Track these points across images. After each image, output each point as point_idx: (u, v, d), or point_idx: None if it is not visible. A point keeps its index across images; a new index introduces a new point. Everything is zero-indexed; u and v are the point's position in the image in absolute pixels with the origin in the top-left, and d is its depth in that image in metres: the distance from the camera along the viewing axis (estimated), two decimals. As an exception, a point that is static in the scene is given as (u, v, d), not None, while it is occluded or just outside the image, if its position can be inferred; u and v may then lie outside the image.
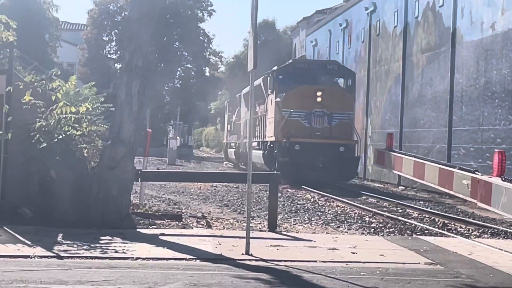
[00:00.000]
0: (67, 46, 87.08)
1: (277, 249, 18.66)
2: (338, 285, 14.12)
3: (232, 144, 74.76)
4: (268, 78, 50.73)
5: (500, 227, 25.94)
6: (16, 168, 21.05)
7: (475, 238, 23.40)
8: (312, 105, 46.90)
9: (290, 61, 55.40)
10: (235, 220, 25.80)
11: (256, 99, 53.04)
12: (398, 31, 55.56)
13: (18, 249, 17.02)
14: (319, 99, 46.66)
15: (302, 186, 39.56)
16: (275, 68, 53.67)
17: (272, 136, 49.52)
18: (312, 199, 36.89)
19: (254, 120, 54.11)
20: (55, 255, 16.46)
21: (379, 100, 59.60)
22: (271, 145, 49.33)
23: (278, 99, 48.45)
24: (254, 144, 54.15)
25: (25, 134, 21.18)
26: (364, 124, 62.48)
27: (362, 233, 23.95)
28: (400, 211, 32.41)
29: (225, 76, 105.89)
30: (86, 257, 16.40)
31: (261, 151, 53.24)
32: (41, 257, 16.22)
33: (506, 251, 19.76)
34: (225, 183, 39.08)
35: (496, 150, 26.28)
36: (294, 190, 42.10)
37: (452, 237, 23.45)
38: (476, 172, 24.70)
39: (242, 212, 27.58)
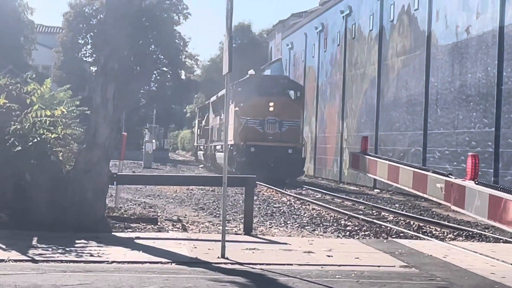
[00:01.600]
0: (42, 49, 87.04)
1: (253, 252, 18.66)
2: (307, 285, 14.16)
3: (201, 147, 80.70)
4: (221, 94, 54.04)
5: (475, 230, 26.08)
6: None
7: (450, 241, 23.50)
8: (265, 114, 53.79)
9: (248, 76, 58.66)
10: (211, 223, 25.87)
11: (220, 107, 60.57)
12: (374, 35, 55.76)
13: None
14: (271, 109, 53.91)
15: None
16: (235, 82, 56.75)
17: (231, 140, 53.53)
18: (288, 202, 36.98)
19: (220, 126, 62.36)
20: (30, 259, 16.43)
21: (355, 103, 59.79)
22: (231, 147, 52.65)
23: (236, 108, 54.74)
24: (219, 147, 63.08)
25: (0, 138, 21.13)
26: (340, 127, 62.63)
27: (338, 236, 24.03)
28: (375, 214, 32.53)
29: (201, 79, 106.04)
30: (61, 261, 16.37)
31: (221, 154, 57.75)
32: (15, 261, 16.20)
33: (481, 254, 19.86)
34: (201, 186, 39.12)
35: (470, 153, 26.42)
36: (270, 193, 42.24)
37: (427, 240, 23.56)
38: (450, 176, 24.82)
39: (217, 215, 27.65)
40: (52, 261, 16.31)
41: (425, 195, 27.27)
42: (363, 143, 38.37)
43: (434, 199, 26.11)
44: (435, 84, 44.37)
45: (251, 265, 16.60)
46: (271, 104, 54.43)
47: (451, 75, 42.10)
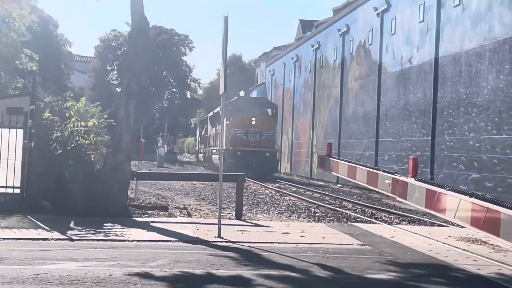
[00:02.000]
0: (78, 74, 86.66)
1: (242, 233, 18.70)
2: (289, 261, 14.14)
3: (201, 151, 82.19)
4: (220, 108, 54.34)
5: (415, 216, 26.10)
6: (37, 169, 20.92)
7: (396, 224, 23.57)
8: (249, 126, 56.68)
9: (236, 97, 60.41)
10: (210, 210, 25.81)
11: (216, 121, 63.72)
12: (337, 64, 55.76)
13: (39, 234, 16.96)
14: (253, 122, 56.80)
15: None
16: (226, 102, 58.71)
17: (224, 146, 52.11)
18: (270, 194, 36.91)
19: (215, 135, 65.55)
20: (68, 238, 16.43)
21: (322, 117, 59.78)
22: (223, 151, 51.54)
23: (227, 122, 55.61)
24: (214, 151, 64.63)
25: (45, 143, 21.07)
26: (310, 136, 62.61)
27: (309, 221, 23.98)
28: (338, 203, 32.50)
29: (203, 97, 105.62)
30: (92, 240, 16.37)
31: (217, 155, 58.87)
32: (56, 239, 16.19)
33: (420, 235, 19.91)
34: (202, 182, 39.00)
35: (411, 156, 26.61)
36: (256, 187, 42.13)
37: (378, 223, 23.59)
38: (396, 174, 24.84)
39: (215, 204, 27.53)
40: (85, 239, 16.31)
41: (376, 189, 27.25)
42: (328, 148, 38.39)
43: (384, 192, 26.07)
44: (384, 102, 44.39)
45: (241, 243, 16.63)
46: (253, 119, 57.34)
47: (397, 95, 42.14)
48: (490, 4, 31.70)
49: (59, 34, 69.74)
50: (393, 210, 28.81)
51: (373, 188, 28.07)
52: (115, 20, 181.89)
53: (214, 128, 66.88)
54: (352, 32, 52.67)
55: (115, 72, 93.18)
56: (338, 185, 48.93)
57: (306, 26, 76.90)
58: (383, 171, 27.10)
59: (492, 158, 30.65)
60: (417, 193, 21.47)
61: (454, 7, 35.21)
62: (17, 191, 21.01)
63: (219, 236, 17.49)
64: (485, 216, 16.30)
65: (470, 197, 17.91)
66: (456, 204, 18.53)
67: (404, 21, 41.96)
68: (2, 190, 20.87)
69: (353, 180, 31.49)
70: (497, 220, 15.51)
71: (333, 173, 35.68)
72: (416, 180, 21.93)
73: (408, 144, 39.71)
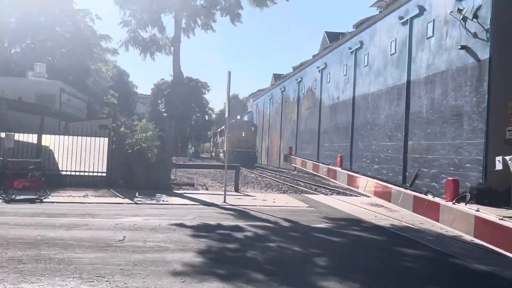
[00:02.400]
0: (141, 105, 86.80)
1: (238, 200, 18.67)
2: (266, 216, 14.17)
3: (213, 151, 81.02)
4: (224, 126, 54.38)
5: (341, 190, 26.10)
6: (115, 162, 20.92)
7: (330, 195, 23.55)
8: (240, 137, 57.00)
9: (234, 120, 62.24)
10: (220, 186, 25.77)
11: (222, 133, 62.97)
12: (295, 100, 55.80)
13: (117, 200, 16.95)
14: (243, 135, 57.64)
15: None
16: (226, 123, 61.05)
17: (226, 148, 52.63)
18: (255, 177, 36.85)
19: (222, 142, 64.68)
20: (134, 202, 16.42)
21: (286, 131, 59.84)
22: (227, 151, 52.29)
23: (229, 134, 54.85)
24: (221, 151, 64.36)
25: (121, 146, 21.05)
26: (279, 142, 62.64)
27: (278, 193, 23.99)
28: (295, 182, 32.49)
29: (215, 119, 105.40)
30: (149, 204, 16.37)
31: (223, 154, 56.71)
32: (127, 203, 16.18)
33: (343, 201, 19.94)
34: (215, 169, 38.87)
35: (339, 155, 26.71)
36: (246, 173, 42.13)
37: (319, 194, 23.58)
38: (329, 165, 24.95)
39: (222, 182, 27.50)
40: (144, 204, 16.30)
41: (318, 174, 27.35)
42: (290, 149, 38.69)
43: (323, 176, 26.16)
44: (323, 123, 44.52)
45: (237, 206, 16.63)
46: (243, 133, 58.17)
47: (330, 118, 42.26)
48: (385, 65, 31.90)
49: (130, 81, 69.83)
50: (327, 187, 28.84)
51: (316, 174, 28.10)
52: (163, 72, 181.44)
53: (222, 138, 66.25)
54: (304, 81, 52.79)
55: (163, 104, 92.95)
56: (295, 171, 48.92)
57: (277, 77, 77.02)
58: (322, 163, 27.18)
59: (386, 156, 30.84)
60: (342, 176, 21.55)
61: (364, 66, 35.40)
62: (104, 175, 21.07)
63: (224, 201, 17.50)
64: (382, 190, 16.44)
65: (373, 179, 18.11)
66: (365, 183, 18.63)
67: (335, 75, 42.10)
68: (96, 174, 20.96)
69: (305, 169, 31.56)
70: (389, 192, 15.76)
71: (293, 164, 35.74)
72: (341, 169, 22.03)
73: (337, 148, 39.79)
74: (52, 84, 26.25)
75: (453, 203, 4.98)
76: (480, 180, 21.29)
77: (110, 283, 6.85)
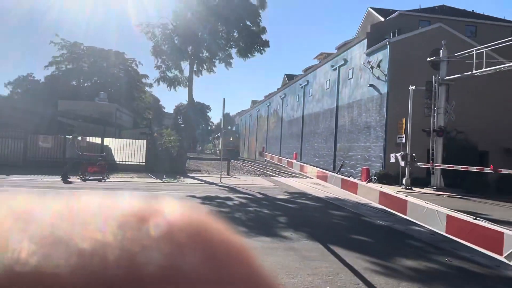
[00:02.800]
0: (167, 119, 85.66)
1: (229, 180, 18.65)
2: (247, 191, 14.18)
3: (212, 150, 78.40)
4: (219, 134, 54.74)
5: (295, 175, 26.18)
6: (150, 156, 20.73)
7: (287, 177, 23.62)
8: (229, 141, 56.81)
9: (225, 130, 61.76)
10: (217, 172, 25.62)
11: (218, 139, 63.73)
12: (266, 117, 55.77)
13: (151, 180, 16.78)
14: (231, 139, 58.32)
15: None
16: (221, 132, 59.53)
17: (220, 147, 52.24)
18: (241, 165, 36.77)
19: (218, 143, 62.05)
20: (162, 182, 16.29)
21: (260, 137, 59.69)
22: (222, 149, 51.91)
23: (223, 138, 55.53)
24: (218, 149, 61.49)
25: (154, 146, 20.88)
26: (255, 143, 62.55)
27: (255, 176, 24.01)
28: (266, 170, 32.48)
29: (214, 129, 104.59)
30: (172, 182, 16.25)
31: (218, 151, 58.20)
32: (158, 182, 16.03)
33: (296, 182, 20.02)
34: (214, 161, 38.56)
35: (295, 152, 26.75)
36: (235, 163, 41.94)
37: (281, 177, 23.64)
38: (289, 159, 24.95)
39: (219, 169, 27.42)
40: (169, 182, 16.12)
41: (281, 164, 27.31)
42: (263, 148, 38.49)
43: (284, 166, 26.18)
44: (283, 132, 44.60)
45: (229, 184, 16.59)
46: (231, 138, 58.14)
47: (288, 129, 42.36)
48: (323, 95, 32.17)
49: (160, 104, 69.11)
50: (286, 172, 28.93)
51: (280, 164, 28.11)
52: (182, 97, 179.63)
53: (218, 141, 66.48)
54: (271, 105, 52.81)
55: (181, 119, 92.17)
56: (266, 162, 48.95)
57: (254, 102, 76.65)
58: (284, 158, 27.24)
59: (323, 153, 31.06)
60: (296, 166, 21.60)
61: (309, 96, 35.64)
62: (143, 164, 20.85)
63: (220, 181, 17.45)
64: (321, 175, 16.53)
65: (317, 167, 18.17)
66: (310, 170, 18.69)
67: (291, 101, 42.23)
68: (138, 163, 20.72)
69: (272, 161, 31.48)
70: (326, 176, 15.81)
71: (265, 158, 35.72)
72: (296, 161, 22.09)
73: (293, 147, 39.94)
74: (110, 106, 26.20)
75: (366, 183, 5.14)
76: (381, 168, 21.70)
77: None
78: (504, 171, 14.45)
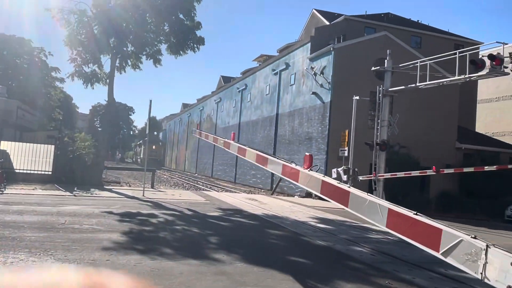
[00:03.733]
0: (81, 121, 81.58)
1: (154, 194, 18.19)
2: (174, 207, 13.95)
3: (135, 157, 75.58)
4: (143, 140, 53.91)
5: (228, 189, 26.29)
6: (59, 164, 19.59)
7: (221, 191, 23.60)
8: (152, 149, 59.90)
9: (146, 138, 59.45)
10: (140, 184, 24.95)
11: (140, 146, 62.40)
12: (198, 122, 55.56)
13: (59, 193, 15.86)
14: (154, 148, 58.95)
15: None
16: (147, 139, 58.68)
17: (142, 156, 50.37)
18: (167, 177, 36.09)
19: (141, 151, 61.08)
20: (73, 195, 15.46)
21: (192, 146, 59.23)
22: (144, 158, 49.96)
23: (145, 146, 53.25)
24: (139, 157, 61.10)
25: (64, 152, 19.77)
26: (185, 152, 61.87)
27: (183, 189, 23.70)
28: (196, 182, 32.21)
29: (138, 134, 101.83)
30: (85, 196, 15.48)
31: (140, 160, 56.03)
32: (68, 195, 15.21)
33: (230, 196, 20.07)
34: (137, 171, 37.42)
35: (232, 132, 26.65)
36: (159, 173, 41.01)
37: (213, 191, 23.55)
38: (226, 140, 25.02)
39: (142, 181, 26.75)
40: (82, 196, 15.39)
41: (218, 145, 27.22)
42: (197, 125, 37.86)
43: (220, 146, 26.12)
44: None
45: (153, 199, 16.19)
46: (154, 146, 58.08)
47: (222, 137, 42.44)
48: (262, 102, 32.78)
49: (73, 104, 65.58)
50: (219, 186, 28.92)
51: (216, 144, 27.97)
52: (100, 96, 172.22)
53: (140, 148, 65.13)
54: (205, 110, 52.75)
55: (98, 121, 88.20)
56: (196, 174, 48.45)
57: (185, 106, 75.85)
58: (221, 138, 27.10)
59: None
60: (234, 147, 21.63)
61: (247, 102, 36.12)
62: (50, 173, 19.63)
63: (143, 195, 16.97)
64: (262, 158, 16.77)
65: (256, 150, 18.30)
66: (251, 153, 18.85)
67: (227, 106, 42.49)
68: (43, 172, 19.47)
69: (207, 140, 31.22)
70: (266, 159, 16.09)
71: (198, 136, 35.20)
72: (234, 142, 22.06)
73: (227, 157, 40.03)
74: (10, 103, 24.22)
75: (308, 170, 5.29)
76: (322, 183, 22.50)
77: (53, 256, 6.46)
78: (446, 170, 15.80)
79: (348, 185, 5.20)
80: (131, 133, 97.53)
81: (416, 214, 3.67)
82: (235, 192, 24.04)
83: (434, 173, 15.61)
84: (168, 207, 13.99)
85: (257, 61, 42.28)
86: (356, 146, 19.57)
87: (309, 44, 25.69)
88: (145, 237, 8.62)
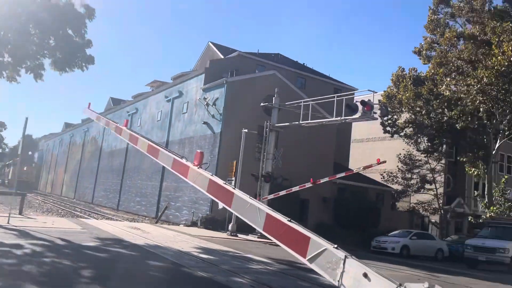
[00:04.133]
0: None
1: (21, 222, 16.31)
2: (45, 235, 12.69)
3: (3, 179, 67.57)
4: (12, 161, 49.76)
5: (110, 216, 24.79)
6: None
7: (101, 219, 22.19)
8: (23, 171, 54.74)
9: (18, 158, 55.91)
10: (6, 210, 22.28)
11: (9, 166, 58.25)
12: (81, 144, 51.93)
13: None
14: (25, 169, 53.39)
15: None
16: (19, 159, 53.19)
17: (11, 178, 45.38)
18: (39, 202, 32.79)
19: (9, 172, 50.58)
20: None
21: (72, 169, 54.96)
22: (14, 180, 45.47)
23: (17, 166, 51.24)
24: (7, 179, 55.05)
25: None
26: (64, 175, 57.24)
27: (58, 216, 21.77)
28: (73, 208, 29.80)
29: (9, 153, 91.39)
30: None
31: (7, 182, 53.08)
32: None
33: (111, 225, 19.04)
34: (4, 195, 33.41)
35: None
36: (31, 198, 37.09)
37: (91, 219, 22.06)
38: (119, 125, 23.58)
39: (8, 206, 23.96)
40: None
41: (111, 129, 25.54)
42: (89, 104, 35.14)
43: (113, 132, 24.53)
44: (101, 163, 42.21)
45: (20, 227, 14.53)
46: (25, 168, 52.11)
47: (108, 162, 40.27)
48: (152, 127, 32.10)
49: None
50: (99, 213, 27.17)
51: (108, 127, 26.23)
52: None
53: (8, 169, 59.93)
54: (90, 131, 49.80)
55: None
56: (75, 200, 44.94)
57: (68, 125, 70.56)
58: (113, 122, 25.48)
59: (147, 192, 30.47)
60: (126, 134, 20.52)
61: (137, 126, 35.04)
62: None
63: (8, 222, 15.11)
64: (152, 149, 16.07)
65: (148, 140, 17.55)
66: (143, 142, 18.00)
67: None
68: None
69: (98, 122, 29.10)
70: (158, 151, 15.46)
71: (89, 116, 32.63)
72: (127, 128, 20.96)
73: (111, 183, 37.96)
74: None
75: (198, 167, 5.23)
76: (208, 212, 22.50)
77: None
78: (322, 180, 17.89)
79: (233, 186, 5.35)
80: (0, 151, 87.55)
81: (289, 221, 3.89)
82: (117, 220, 22.76)
83: (312, 185, 17.65)
84: (38, 236, 12.64)
85: (150, 86, 41.53)
86: (243, 176, 20.06)
87: (203, 75, 26.08)
88: (6, 272, 7.62)
